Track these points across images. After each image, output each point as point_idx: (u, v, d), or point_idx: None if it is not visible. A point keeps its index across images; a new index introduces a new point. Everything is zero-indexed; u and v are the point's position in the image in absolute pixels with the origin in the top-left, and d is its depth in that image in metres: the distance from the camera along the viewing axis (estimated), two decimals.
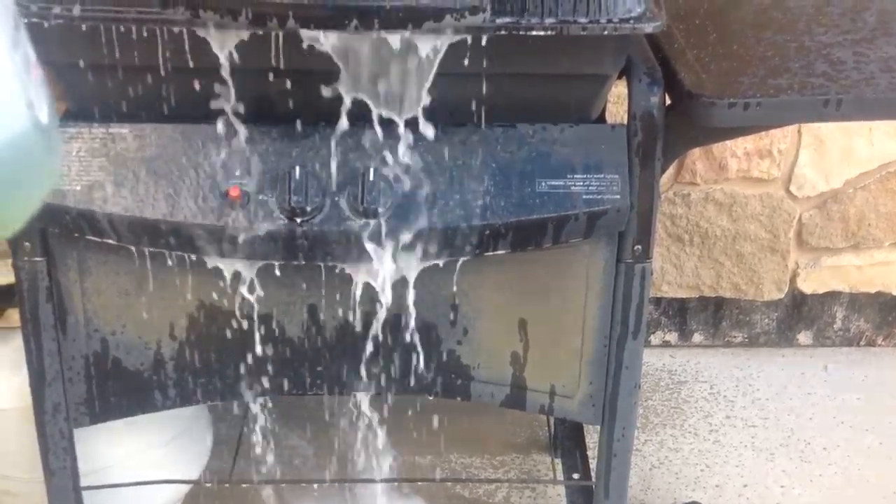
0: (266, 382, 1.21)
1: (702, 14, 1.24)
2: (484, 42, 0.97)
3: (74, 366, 1.18)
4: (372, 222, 1.04)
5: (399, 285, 1.12)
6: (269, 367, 1.20)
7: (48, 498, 1.25)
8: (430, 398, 1.25)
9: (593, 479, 1.33)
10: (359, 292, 1.13)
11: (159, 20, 0.95)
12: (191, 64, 0.98)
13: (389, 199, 1.04)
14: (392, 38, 0.95)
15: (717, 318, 2.06)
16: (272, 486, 1.57)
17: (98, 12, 0.95)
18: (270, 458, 1.59)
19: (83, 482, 1.26)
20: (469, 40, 0.96)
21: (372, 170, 1.04)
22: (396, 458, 1.45)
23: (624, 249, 1.13)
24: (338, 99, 1.01)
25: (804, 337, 2.09)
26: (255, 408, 1.28)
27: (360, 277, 1.12)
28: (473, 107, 1.05)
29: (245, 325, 1.16)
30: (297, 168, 1.04)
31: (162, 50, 0.98)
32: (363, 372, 1.20)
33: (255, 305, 1.15)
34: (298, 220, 1.04)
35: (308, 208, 1.04)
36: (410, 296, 1.14)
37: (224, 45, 0.96)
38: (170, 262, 1.12)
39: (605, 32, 0.98)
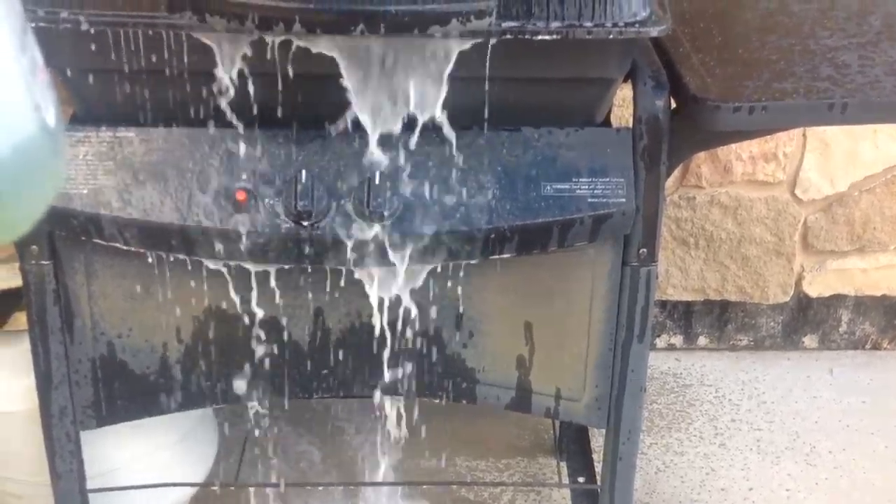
0: (272, 385, 1.21)
1: (707, 18, 1.24)
2: (490, 46, 0.97)
3: (81, 369, 1.19)
4: (378, 226, 1.05)
5: (405, 289, 1.12)
6: (275, 371, 1.20)
7: (55, 501, 1.25)
8: (436, 401, 1.25)
9: (598, 483, 1.33)
10: (364, 295, 1.13)
11: (166, 25, 0.95)
12: (198, 68, 0.99)
13: (395, 203, 1.04)
14: (398, 42, 0.95)
15: (723, 322, 2.06)
16: (277, 488, 1.57)
17: (105, 17, 0.96)
18: (276, 460, 1.59)
19: (90, 485, 1.26)
20: (475, 44, 0.96)
21: (378, 174, 1.04)
22: (402, 461, 1.45)
23: (629, 253, 1.13)
24: (344, 103, 1.01)
25: (810, 340, 2.09)
26: (260, 411, 1.29)
27: (365, 281, 1.12)
28: (479, 110, 1.06)
29: (251, 328, 1.17)
30: (304, 172, 1.04)
31: (169, 54, 0.98)
32: (369, 375, 1.20)
33: (261, 309, 1.15)
34: (305, 224, 1.05)
35: (314, 212, 1.04)
36: (416, 299, 1.14)
37: (231, 49, 0.97)
38: (176, 266, 1.12)
39: (611, 36, 0.98)
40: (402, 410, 1.29)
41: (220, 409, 1.62)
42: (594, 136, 1.10)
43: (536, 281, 1.17)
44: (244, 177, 1.05)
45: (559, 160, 1.09)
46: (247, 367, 1.19)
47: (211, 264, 1.10)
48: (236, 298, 1.15)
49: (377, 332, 1.16)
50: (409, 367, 1.20)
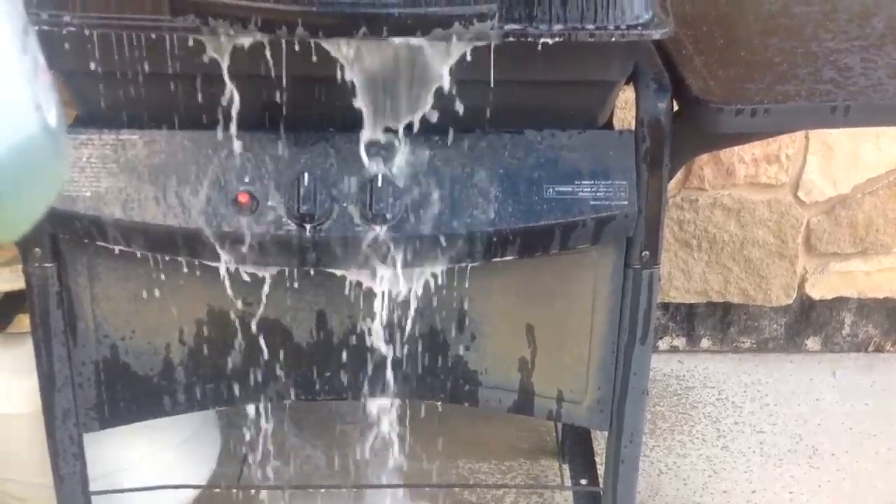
0: (274, 387, 1.21)
1: (709, 20, 1.24)
2: (492, 49, 0.97)
3: (84, 371, 1.19)
4: (380, 228, 1.05)
5: (407, 291, 1.12)
6: (278, 373, 1.20)
7: (57, 503, 1.25)
8: (438, 403, 1.25)
9: (601, 485, 1.33)
10: (367, 298, 1.13)
11: (169, 28, 0.95)
12: (201, 71, 0.99)
13: (398, 206, 1.05)
14: (401, 44, 0.95)
15: (726, 324, 2.06)
16: (280, 490, 1.57)
17: (108, 20, 0.96)
18: (278, 462, 1.59)
19: (92, 487, 1.26)
20: (477, 47, 0.96)
21: (380, 176, 1.04)
22: (404, 463, 1.45)
23: (632, 255, 1.13)
24: (347, 105, 1.01)
25: (812, 342, 2.08)
26: (263, 412, 1.29)
27: (368, 283, 1.12)
28: (481, 113, 1.06)
29: (254, 330, 1.17)
30: (307, 175, 1.04)
31: (172, 57, 0.98)
32: (371, 377, 1.20)
33: (264, 311, 1.15)
34: (307, 227, 1.05)
35: (317, 214, 1.04)
36: (418, 301, 1.14)
37: (233, 52, 0.97)
38: (179, 268, 1.12)
39: (613, 39, 0.98)
40: (405, 413, 1.29)
41: (222, 411, 1.62)
42: (596, 138, 1.10)
43: (539, 283, 1.17)
44: (247, 179, 1.05)
45: (561, 162, 1.09)
46: (249, 369, 1.19)
47: (214, 267, 1.10)
48: (239, 301, 1.15)
49: (379, 334, 1.16)
50: (411, 369, 1.20)
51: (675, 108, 1.09)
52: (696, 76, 1.08)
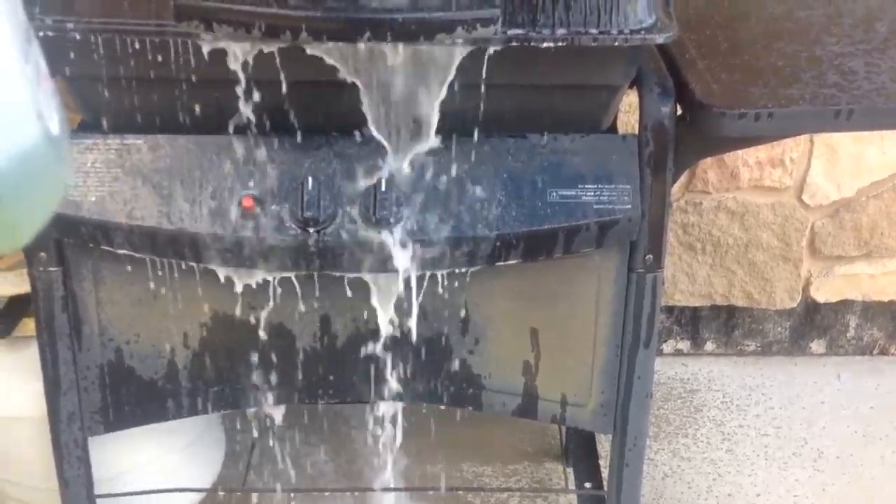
0: (278, 391, 1.21)
1: (713, 24, 1.24)
2: (495, 53, 0.97)
3: (89, 375, 1.19)
4: (384, 232, 1.05)
5: (410, 295, 1.13)
6: (281, 376, 1.20)
7: None
8: (442, 407, 1.25)
9: (605, 489, 1.33)
10: (371, 302, 1.14)
11: (174, 33, 0.96)
12: (204, 76, 0.99)
13: (401, 210, 1.05)
14: (404, 49, 0.95)
15: (730, 327, 2.05)
16: (284, 494, 1.57)
17: (113, 26, 0.97)
18: (283, 466, 1.60)
19: (96, 489, 1.26)
20: (481, 51, 0.96)
21: (384, 180, 1.05)
22: (408, 466, 1.45)
23: (635, 259, 1.13)
24: (350, 109, 1.01)
25: (817, 346, 2.08)
26: (267, 416, 1.29)
27: (371, 287, 1.12)
28: (485, 117, 1.06)
29: (258, 333, 1.17)
30: (310, 179, 1.04)
31: (176, 62, 0.99)
32: (375, 381, 1.21)
33: (268, 315, 1.15)
34: (311, 231, 1.05)
35: (321, 218, 1.04)
36: (422, 305, 1.15)
37: (237, 57, 0.97)
38: (184, 272, 1.13)
39: (616, 43, 0.98)
40: (408, 416, 1.29)
41: (226, 414, 1.63)
42: (600, 142, 1.10)
43: (542, 287, 1.18)
44: (251, 184, 1.06)
45: (565, 166, 1.09)
46: (253, 372, 1.20)
47: (218, 271, 1.10)
48: (243, 304, 1.15)
49: (383, 337, 1.17)
50: (414, 373, 1.20)
51: (679, 112, 1.09)
52: (700, 80, 1.08)
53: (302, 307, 1.17)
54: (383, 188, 1.04)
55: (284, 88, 1.00)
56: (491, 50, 0.97)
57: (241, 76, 0.98)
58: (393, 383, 1.20)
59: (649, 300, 1.15)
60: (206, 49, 0.97)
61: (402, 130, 1.03)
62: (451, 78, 0.98)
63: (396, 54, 0.96)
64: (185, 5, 0.92)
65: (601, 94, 1.09)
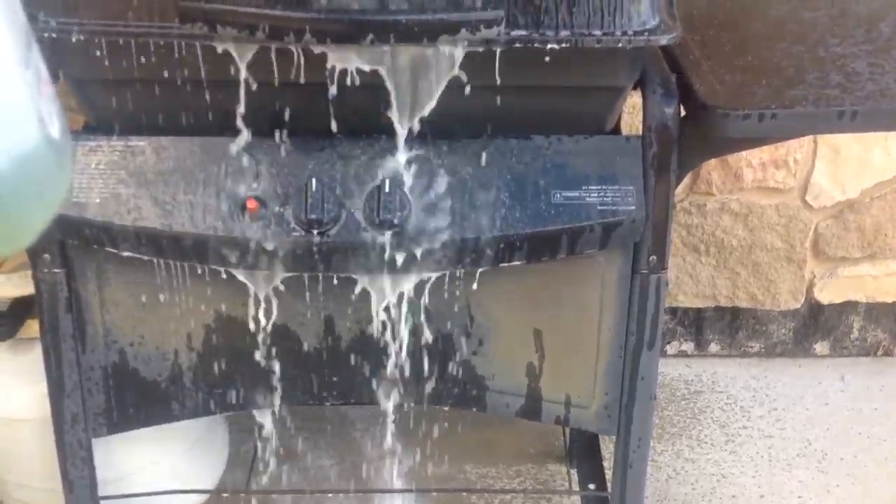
0: (282, 392, 1.21)
1: (717, 25, 1.24)
2: (499, 55, 0.97)
3: (93, 376, 1.19)
4: (388, 234, 1.05)
5: (415, 296, 1.13)
6: (285, 377, 1.20)
7: None
8: (446, 409, 1.25)
9: (609, 490, 1.33)
10: (374, 303, 1.14)
11: (178, 35, 0.96)
12: (209, 78, 0.99)
13: (405, 211, 1.05)
14: (407, 51, 0.95)
15: (734, 328, 2.05)
16: (288, 496, 1.57)
17: (117, 28, 0.97)
18: (286, 467, 1.60)
19: (101, 491, 1.26)
20: (484, 53, 0.96)
21: (388, 182, 1.05)
22: (412, 468, 1.45)
23: (639, 260, 1.13)
24: (355, 112, 1.01)
25: (821, 347, 2.08)
26: (271, 417, 1.29)
27: (375, 288, 1.12)
28: (489, 118, 1.06)
29: (261, 335, 1.17)
30: (314, 180, 1.04)
31: (180, 64, 0.99)
32: (378, 382, 1.21)
33: (272, 316, 1.16)
34: (315, 232, 1.05)
35: (325, 220, 1.04)
36: (426, 307, 1.15)
37: (241, 59, 0.97)
38: (187, 274, 1.13)
39: (620, 45, 0.98)
40: (412, 418, 1.29)
41: (230, 415, 1.63)
42: (604, 143, 1.10)
43: (546, 288, 1.18)
44: (255, 185, 1.06)
45: (569, 168, 1.09)
46: (257, 374, 1.20)
47: (222, 272, 1.11)
48: (247, 306, 1.15)
49: (387, 339, 1.17)
50: (418, 374, 1.20)
51: (683, 113, 1.09)
52: (704, 81, 1.08)
53: (306, 309, 1.17)
54: (387, 190, 1.04)
55: (288, 90, 1.00)
56: (494, 51, 0.97)
57: (245, 78, 0.98)
58: (397, 385, 1.20)
59: (653, 301, 1.15)
60: (209, 51, 0.97)
61: (406, 132, 1.03)
62: (454, 80, 0.98)
63: (399, 56, 0.96)
64: (189, 7, 0.92)
65: (605, 96, 1.09)
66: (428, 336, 1.18)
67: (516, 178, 1.08)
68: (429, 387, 1.21)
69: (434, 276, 1.11)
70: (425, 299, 1.14)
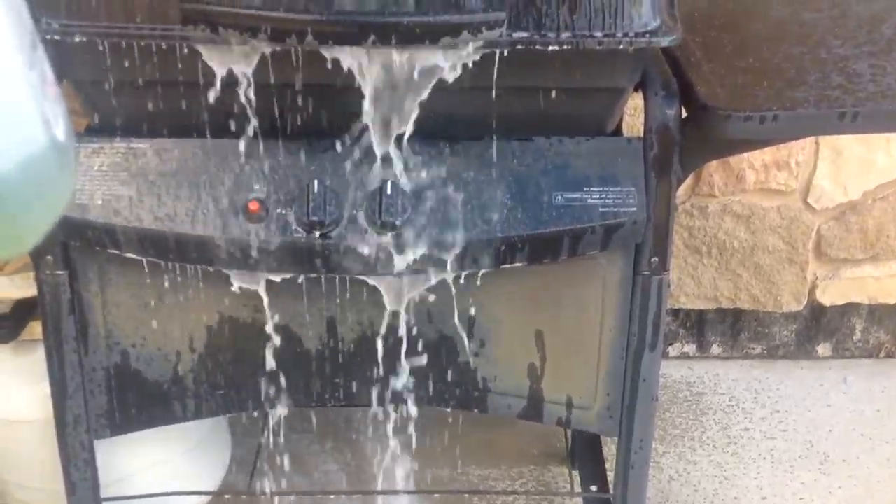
0: (284, 393, 1.21)
1: (718, 27, 1.24)
2: (501, 56, 0.97)
3: (95, 378, 1.19)
4: (390, 235, 1.05)
5: (416, 298, 1.13)
6: (287, 379, 1.20)
7: None
8: (447, 410, 1.25)
9: (611, 492, 1.33)
10: (376, 305, 1.14)
11: (180, 37, 0.96)
12: (211, 79, 1.00)
13: (407, 213, 1.05)
14: (409, 52, 0.96)
15: (736, 330, 2.05)
16: (290, 497, 1.57)
17: (119, 30, 0.97)
18: (289, 469, 1.60)
19: (103, 492, 1.26)
20: (486, 55, 0.97)
21: (389, 183, 1.05)
22: (413, 469, 1.45)
23: (640, 262, 1.13)
24: (356, 113, 1.02)
25: (823, 349, 2.08)
26: (273, 419, 1.29)
27: (377, 290, 1.12)
28: (490, 120, 1.06)
29: (263, 336, 1.17)
30: (316, 182, 1.05)
31: (182, 66, 0.99)
32: (380, 384, 1.21)
33: (273, 318, 1.16)
34: (317, 234, 1.05)
35: (326, 222, 1.05)
36: (427, 308, 1.15)
37: (243, 60, 0.97)
38: (189, 276, 1.13)
39: (621, 47, 0.98)
40: (414, 419, 1.29)
41: (232, 417, 1.63)
42: (605, 145, 1.10)
43: (547, 290, 1.18)
44: (257, 187, 1.06)
45: (570, 169, 1.09)
46: (259, 375, 1.20)
47: (224, 274, 1.11)
48: (249, 307, 1.15)
49: (388, 340, 1.17)
50: (420, 376, 1.20)
51: (684, 114, 1.09)
52: (705, 83, 1.08)
53: (308, 310, 1.17)
54: (388, 191, 1.04)
55: (290, 92, 1.01)
56: (496, 53, 0.97)
57: (247, 79, 0.98)
58: (398, 386, 1.20)
59: (655, 303, 1.15)
60: (212, 52, 0.97)
61: (407, 133, 1.03)
62: (456, 81, 0.98)
63: (402, 57, 0.97)
64: (192, 9, 0.92)
65: (606, 97, 1.09)
66: (430, 337, 1.18)
67: (518, 180, 1.08)
68: (431, 388, 1.22)
69: (435, 277, 1.11)
70: (427, 301, 1.14)
